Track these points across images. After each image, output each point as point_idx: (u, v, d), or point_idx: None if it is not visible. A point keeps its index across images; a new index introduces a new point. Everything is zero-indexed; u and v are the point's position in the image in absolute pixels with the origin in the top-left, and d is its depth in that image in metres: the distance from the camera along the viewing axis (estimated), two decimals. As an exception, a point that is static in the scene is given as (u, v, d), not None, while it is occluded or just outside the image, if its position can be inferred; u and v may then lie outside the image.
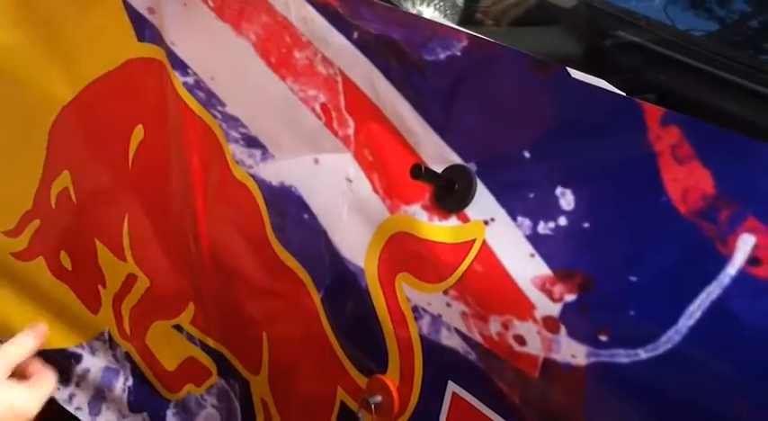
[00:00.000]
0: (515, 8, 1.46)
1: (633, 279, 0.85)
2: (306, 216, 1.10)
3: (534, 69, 0.92)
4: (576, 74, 0.89)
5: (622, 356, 0.85)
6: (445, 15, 1.38)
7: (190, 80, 1.19)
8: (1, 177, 1.52)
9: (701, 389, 0.82)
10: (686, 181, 0.83)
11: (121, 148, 1.30)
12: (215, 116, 1.18)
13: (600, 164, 0.89)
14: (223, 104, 1.17)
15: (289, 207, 1.11)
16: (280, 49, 1.10)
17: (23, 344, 1.04)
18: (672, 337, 0.82)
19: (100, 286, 1.42)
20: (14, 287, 1.57)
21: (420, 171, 0.95)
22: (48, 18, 1.36)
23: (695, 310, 0.81)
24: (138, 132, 1.29)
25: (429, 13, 1.36)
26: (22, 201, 1.48)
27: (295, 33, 1.09)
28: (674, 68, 1.23)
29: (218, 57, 1.17)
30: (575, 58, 1.29)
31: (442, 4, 1.38)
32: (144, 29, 1.24)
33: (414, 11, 1.32)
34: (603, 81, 0.89)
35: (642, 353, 0.84)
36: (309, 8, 1.07)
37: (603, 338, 0.86)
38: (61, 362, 1.51)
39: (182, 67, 1.19)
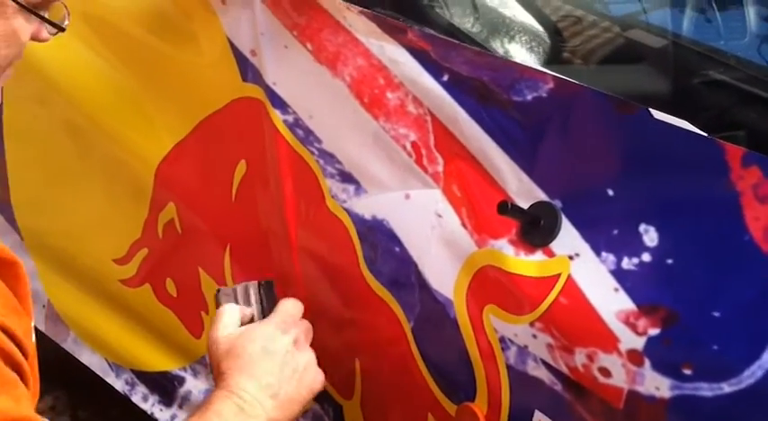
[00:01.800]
0: (602, 47, 1.49)
1: (716, 314, 0.87)
2: (397, 248, 1.15)
3: (617, 109, 0.95)
4: (657, 114, 0.92)
5: (705, 390, 0.87)
6: (533, 54, 1.42)
7: (289, 118, 1.26)
8: (113, 209, 1.62)
9: (784, 423, 0.83)
10: (768, 219, 0.85)
11: (225, 182, 1.38)
12: (312, 152, 1.24)
13: (683, 202, 0.92)
14: (320, 141, 1.24)
15: (380, 239, 1.16)
16: (373, 89, 1.16)
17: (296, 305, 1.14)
18: (755, 372, 0.84)
19: (202, 312, 1.50)
20: (123, 312, 1.66)
21: (507, 207, 0.99)
22: (156, 60, 1.45)
23: (778, 346, 0.83)
24: (241, 167, 1.36)
25: (517, 51, 1.40)
26: (132, 231, 1.57)
27: (387, 75, 1.14)
28: (762, 106, 1.24)
29: (316, 96, 1.24)
30: (662, 97, 1.31)
31: (530, 43, 1.42)
32: (247, 69, 1.31)
33: (502, 50, 1.37)
34: (685, 121, 0.92)
35: (726, 387, 0.86)
36: (402, 51, 1.12)
37: (687, 372, 0.89)
38: (165, 384, 1.59)
39: (282, 105, 1.26)
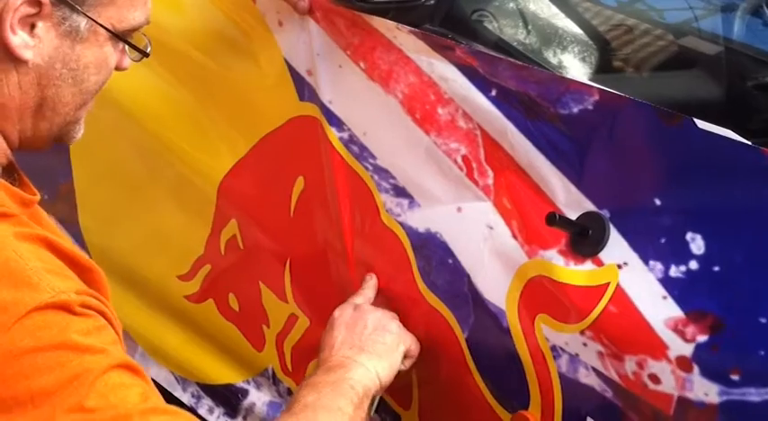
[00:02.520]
0: (654, 54, 1.50)
1: (762, 320, 0.88)
2: (450, 260, 1.17)
3: (662, 119, 0.97)
4: (702, 124, 0.94)
5: (754, 395, 0.88)
6: (584, 64, 1.44)
7: (345, 135, 1.30)
8: (177, 227, 1.67)
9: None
10: (812, 226, 0.86)
11: (285, 198, 1.42)
12: (367, 168, 1.28)
13: (728, 210, 0.93)
14: (374, 157, 1.27)
15: (434, 252, 1.19)
16: (424, 105, 1.19)
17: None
18: (802, 377, 0.85)
19: (264, 326, 1.54)
20: (187, 327, 1.71)
21: (555, 218, 1.02)
22: (217, 81, 1.50)
23: (824, 351, 0.84)
24: (299, 183, 1.40)
25: (569, 61, 1.42)
26: (195, 248, 1.62)
27: (438, 91, 1.17)
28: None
29: (370, 113, 1.27)
30: (714, 102, 1.32)
31: (581, 53, 1.44)
32: (303, 88, 1.35)
33: (554, 61, 1.39)
34: (730, 130, 0.93)
35: (774, 393, 0.87)
36: (452, 68, 1.15)
37: (735, 377, 0.90)
38: (229, 396, 1.63)
39: (337, 123, 1.30)
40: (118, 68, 0.99)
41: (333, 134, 1.31)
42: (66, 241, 0.93)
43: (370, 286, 1.27)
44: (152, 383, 0.90)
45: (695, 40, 1.42)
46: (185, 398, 1.71)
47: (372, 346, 1.17)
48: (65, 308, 0.84)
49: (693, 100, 1.13)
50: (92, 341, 0.84)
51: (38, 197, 0.97)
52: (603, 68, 1.44)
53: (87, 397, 0.81)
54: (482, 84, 1.12)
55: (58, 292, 0.83)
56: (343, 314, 1.22)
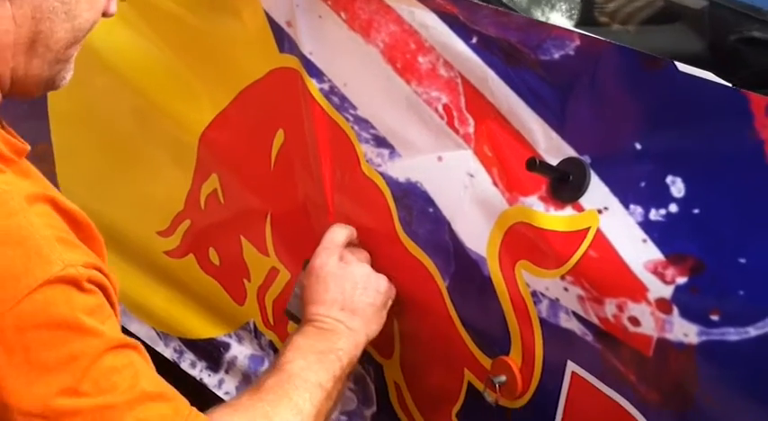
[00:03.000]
0: (638, 9, 1.49)
1: (742, 261, 0.90)
2: (431, 209, 1.18)
3: (643, 64, 0.97)
4: (683, 67, 0.94)
5: (732, 334, 0.90)
6: (569, 17, 1.43)
7: (325, 86, 1.29)
8: (156, 183, 1.67)
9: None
10: (791, 166, 0.87)
11: (265, 152, 1.42)
12: (347, 119, 1.27)
13: (708, 152, 0.93)
14: (355, 108, 1.27)
15: (415, 201, 1.20)
16: (405, 54, 1.19)
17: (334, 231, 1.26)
18: (780, 315, 0.86)
19: (245, 280, 1.54)
20: (168, 283, 1.71)
21: (535, 163, 1.02)
22: (197, 35, 1.49)
23: (802, 289, 0.85)
24: (279, 136, 1.40)
25: (553, 15, 1.42)
26: (175, 204, 1.62)
27: (419, 40, 1.17)
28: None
29: (350, 64, 1.27)
30: (698, 56, 1.32)
31: (566, 6, 1.44)
32: (283, 40, 1.34)
33: (539, 14, 1.39)
34: (711, 73, 0.93)
35: (752, 331, 0.88)
36: (432, 15, 1.15)
37: (714, 318, 0.91)
38: (211, 350, 1.64)
39: (318, 74, 1.29)
40: (105, 14, 0.99)
41: (313, 85, 1.30)
42: (66, 199, 0.95)
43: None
44: (144, 353, 0.94)
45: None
46: (167, 353, 1.72)
47: (364, 310, 1.19)
48: (73, 282, 0.87)
49: (677, 54, 1.12)
50: (93, 322, 0.87)
51: (28, 147, 0.98)
52: (587, 22, 1.44)
53: (81, 381, 0.85)
54: (462, 31, 1.12)
55: (67, 265, 0.86)
56: (328, 263, 1.22)
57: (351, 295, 1.20)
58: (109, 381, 0.87)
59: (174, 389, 0.95)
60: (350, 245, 1.26)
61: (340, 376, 1.13)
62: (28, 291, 0.84)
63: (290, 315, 1.30)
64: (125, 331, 1.80)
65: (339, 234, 1.25)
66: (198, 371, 1.66)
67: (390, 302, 1.23)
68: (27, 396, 0.84)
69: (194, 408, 0.94)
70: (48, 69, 0.95)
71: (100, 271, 0.92)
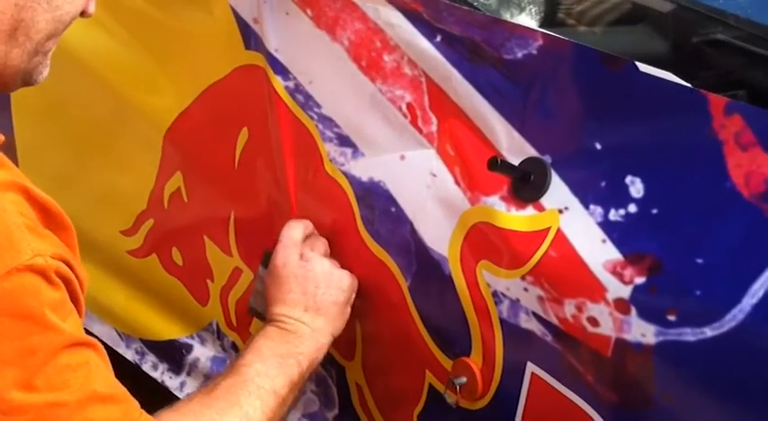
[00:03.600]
0: (604, 11, 1.50)
1: (699, 261, 0.89)
2: (393, 209, 1.17)
3: (604, 64, 0.97)
4: (643, 67, 0.94)
5: (689, 335, 0.89)
6: (534, 18, 1.44)
7: (291, 84, 1.28)
8: (119, 181, 1.65)
9: (765, 364, 0.85)
10: (749, 166, 0.87)
11: (229, 150, 1.41)
12: (312, 117, 1.26)
13: (667, 152, 0.94)
14: (319, 106, 1.26)
15: (377, 201, 1.19)
16: (370, 52, 1.18)
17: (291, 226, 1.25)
18: (736, 315, 0.86)
19: (208, 280, 1.53)
20: (130, 283, 1.69)
21: (497, 163, 1.02)
22: (164, 31, 1.48)
23: (758, 289, 0.85)
24: (244, 135, 1.39)
25: (518, 15, 1.43)
26: (138, 203, 1.60)
27: (384, 38, 1.16)
28: (764, 65, 1.26)
29: (316, 62, 1.26)
30: (661, 57, 1.33)
31: (530, 7, 1.44)
32: (250, 37, 1.33)
33: (505, 14, 1.39)
34: (670, 73, 0.93)
35: (708, 332, 0.88)
36: (397, 13, 1.14)
37: (671, 318, 0.91)
38: (173, 352, 1.62)
39: (283, 72, 1.29)
40: (83, 14, 0.99)
41: (278, 83, 1.29)
42: (39, 190, 0.94)
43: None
44: (102, 352, 0.93)
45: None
46: (129, 354, 1.70)
47: (327, 309, 1.19)
48: (41, 273, 0.86)
49: (641, 55, 1.13)
50: (55, 318, 0.87)
51: (2, 137, 0.97)
52: (552, 22, 1.44)
53: (35, 376, 0.85)
54: (427, 29, 1.11)
55: (35, 254, 0.86)
56: (288, 263, 1.21)
57: (314, 295, 1.19)
58: (61, 379, 0.87)
59: (126, 392, 0.94)
60: (308, 236, 1.25)
61: (298, 381, 1.13)
62: None
63: (254, 312, 1.29)
64: (87, 332, 1.79)
65: (296, 230, 1.24)
66: (159, 373, 1.64)
67: (354, 297, 1.22)
68: None
69: (144, 412, 0.94)
70: (27, 60, 0.94)
71: (67, 263, 0.91)
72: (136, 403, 0.94)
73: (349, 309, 1.22)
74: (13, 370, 0.84)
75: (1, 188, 0.88)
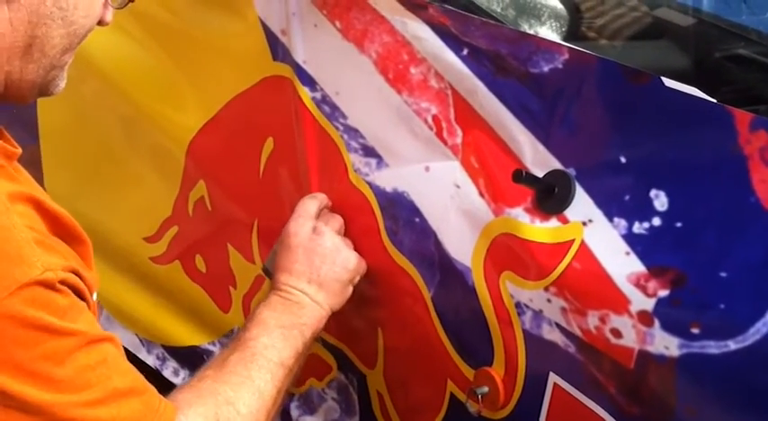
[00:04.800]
0: (626, 25, 1.51)
1: (723, 274, 0.90)
2: (417, 219, 1.18)
3: (629, 78, 0.99)
4: (669, 82, 0.95)
5: (713, 347, 0.90)
6: (557, 32, 1.45)
7: (318, 95, 1.30)
8: (145, 189, 1.67)
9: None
10: (774, 181, 0.88)
11: (254, 159, 1.42)
12: (337, 128, 1.28)
13: (692, 167, 0.95)
14: (345, 117, 1.28)
15: (401, 211, 1.20)
16: (397, 65, 1.20)
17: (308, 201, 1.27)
18: (760, 329, 0.87)
19: (231, 287, 1.54)
20: (153, 289, 1.71)
21: (521, 175, 1.03)
22: (191, 41, 1.50)
23: (782, 303, 0.86)
24: (269, 144, 1.40)
25: (542, 29, 1.44)
26: (162, 210, 1.62)
27: (411, 51, 1.18)
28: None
29: (343, 73, 1.28)
30: (682, 72, 1.34)
31: (554, 21, 1.45)
32: (277, 48, 1.35)
33: (528, 28, 1.40)
34: (695, 89, 0.94)
35: (732, 345, 0.89)
36: (424, 27, 1.16)
37: (695, 331, 0.92)
38: (195, 358, 1.64)
39: (310, 83, 1.30)
40: (100, 23, 0.99)
41: (305, 94, 1.31)
42: (52, 202, 0.95)
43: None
44: (117, 343, 0.94)
45: (667, 11, 1.43)
46: (150, 360, 1.71)
47: (330, 284, 1.22)
48: (49, 285, 0.87)
49: (663, 70, 1.14)
50: (67, 323, 0.88)
51: (20, 151, 0.98)
52: (576, 36, 1.45)
53: (56, 377, 0.86)
54: (454, 43, 1.13)
55: (45, 269, 0.86)
56: (299, 233, 1.23)
57: (318, 268, 1.21)
58: (83, 379, 0.88)
59: (145, 380, 0.95)
60: (324, 211, 1.28)
61: (303, 351, 1.15)
62: (7, 294, 0.84)
63: (266, 271, 1.31)
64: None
65: (311, 203, 1.26)
66: (181, 379, 1.65)
67: (358, 278, 1.24)
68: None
69: (163, 398, 0.95)
70: (43, 75, 0.95)
71: (77, 273, 0.92)
72: (154, 390, 0.95)
73: (350, 289, 1.24)
74: (32, 375, 0.85)
75: (10, 199, 0.89)
